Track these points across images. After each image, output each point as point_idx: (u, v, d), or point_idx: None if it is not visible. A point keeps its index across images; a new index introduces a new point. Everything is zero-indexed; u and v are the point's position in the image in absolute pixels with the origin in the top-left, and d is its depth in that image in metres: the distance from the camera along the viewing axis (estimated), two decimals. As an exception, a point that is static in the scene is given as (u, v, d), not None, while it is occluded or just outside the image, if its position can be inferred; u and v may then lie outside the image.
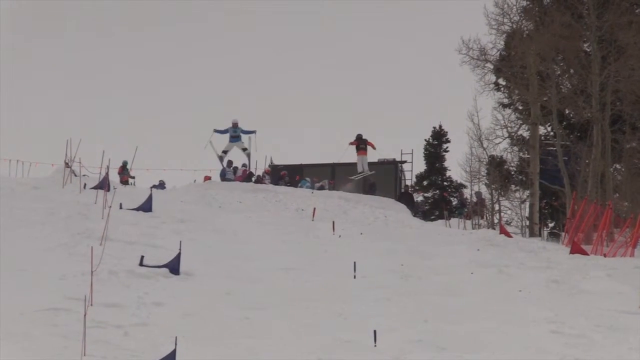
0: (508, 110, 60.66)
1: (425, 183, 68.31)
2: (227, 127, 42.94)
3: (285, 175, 56.20)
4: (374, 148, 44.83)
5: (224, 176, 53.41)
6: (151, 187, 49.74)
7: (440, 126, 70.05)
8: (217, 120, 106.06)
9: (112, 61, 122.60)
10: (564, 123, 58.04)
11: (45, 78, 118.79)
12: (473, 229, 52.86)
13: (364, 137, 50.06)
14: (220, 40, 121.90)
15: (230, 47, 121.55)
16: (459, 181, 67.75)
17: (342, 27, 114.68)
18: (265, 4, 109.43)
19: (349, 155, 56.72)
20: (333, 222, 42.25)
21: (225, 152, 43.24)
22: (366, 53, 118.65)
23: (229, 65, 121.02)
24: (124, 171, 51.65)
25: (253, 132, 43.16)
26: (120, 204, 39.39)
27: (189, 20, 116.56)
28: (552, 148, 57.53)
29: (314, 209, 45.23)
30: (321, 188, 53.93)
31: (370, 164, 58.77)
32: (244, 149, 43.15)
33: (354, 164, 58.26)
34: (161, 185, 53.15)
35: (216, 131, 42.67)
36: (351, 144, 54.38)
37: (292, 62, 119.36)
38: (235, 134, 42.66)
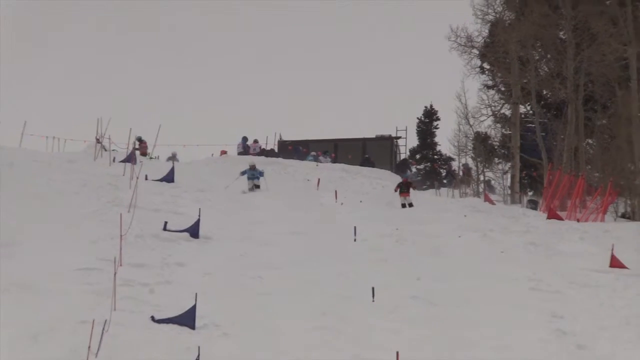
0: (492, 91, 60.70)
1: (417, 156, 68.30)
2: (245, 169, 42.37)
3: (292, 149, 56.23)
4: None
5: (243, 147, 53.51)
6: (167, 159, 49.73)
7: (431, 105, 70.07)
8: (231, 102, 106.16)
9: (138, 45, 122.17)
10: (542, 103, 58.03)
11: (77, 60, 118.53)
12: (460, 197, 52.90)
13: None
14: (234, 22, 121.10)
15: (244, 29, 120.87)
16: (447, 155, 67.83)
17: (344, 19, 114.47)
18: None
19: (350, 133, 56.77)
20: (335, 191, 42.28)
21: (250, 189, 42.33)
22: (365, 40, 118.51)
23: (244, 49, 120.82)
24: (140, 145, 50.83)
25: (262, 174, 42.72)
26: (146, 176, 39.44)
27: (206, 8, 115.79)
28: (531, 125, 57.56)
29: (319, 179, 45.26)
30: (316, 159, 53.70)
31: (369, 140, 58.84)
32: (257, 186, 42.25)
33: (354, 140, 58.38)
34: (174, 157, 52.77)
35: (241, 173, 42.22)
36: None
37: (301, 51, 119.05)
38: (252, 176, 42.09)
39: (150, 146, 50.20)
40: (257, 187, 40.96)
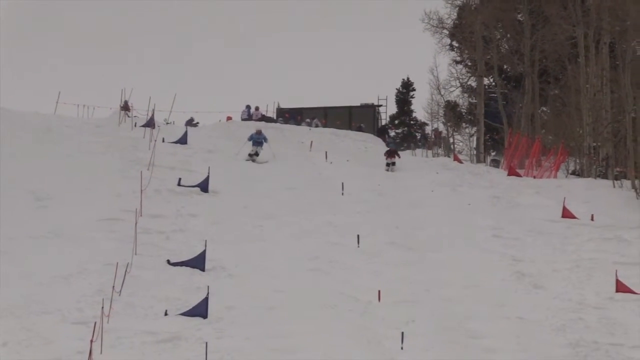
0: (460, 66, 60.40)
1: (396, 122, 68.06)
2: (251, 134, 41.03)
3: (289, 116, 55.80)
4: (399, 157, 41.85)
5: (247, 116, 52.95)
6: (185, 124, 49.13)
7: (408, 78, 69.51)
8: (235, 73, 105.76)
9: (155, 23, 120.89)
10: (503, 76, 57.75)
11: (105, 37, 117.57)
12: (433, 157, 52.78)
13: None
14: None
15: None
16: (422, 120, 67.73)
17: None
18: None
19: (339, 100, 56.25)
20: (326, 152, 41.97)
21: (250, 155, 40.10)
22: (354, 22, 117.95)
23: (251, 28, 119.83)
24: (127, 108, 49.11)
25: (267, 140, 41.02)
26: (163, 138, 39.03)
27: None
28: (493, 95, 57.28)
29: (311, 142, 44.93)
30: (315, 125, 53.19)
31: (354, 107, 58.51)
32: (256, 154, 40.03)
33: (341, 107, 58.03)
34: (191, 121, 52.03)
35: (248, 139, 40.68)
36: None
37: (297, 26, 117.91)
38: (258, 139, 40.67)
39: (166, 112, 49.52)
40: (256, 155, 39.70)
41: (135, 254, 24.53)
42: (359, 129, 53.38)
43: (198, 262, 24.40)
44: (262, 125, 45.06)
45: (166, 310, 21.30)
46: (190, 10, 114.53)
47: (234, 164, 37.66)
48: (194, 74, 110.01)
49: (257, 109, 54.14)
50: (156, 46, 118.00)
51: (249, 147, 39.79)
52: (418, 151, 56.22)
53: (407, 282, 24.02)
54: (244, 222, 28.84)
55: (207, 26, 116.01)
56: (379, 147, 46.30)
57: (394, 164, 40.48)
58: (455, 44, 59.71)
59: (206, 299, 21.17)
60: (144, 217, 27.70)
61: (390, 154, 41.22)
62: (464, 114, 61.52)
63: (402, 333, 20.08)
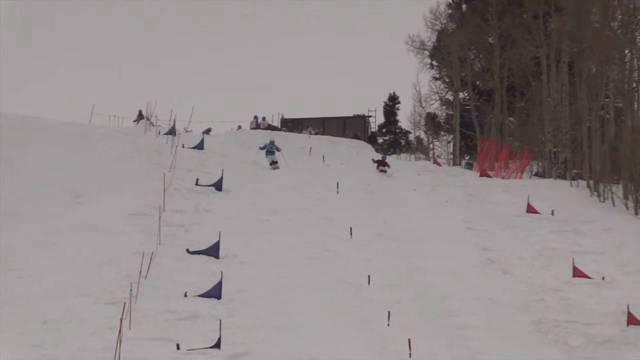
0: (439, 82, 60.66)
1: (384, 130, 68.16)
2: (265, 144, 40.65)
3: (292, 125, 55.87)
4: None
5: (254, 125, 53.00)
6: (203, 132, 49.18)
7: (394, 92, 69.60)
8: (244, 87, 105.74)
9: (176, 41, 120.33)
10: (476, 90, 57.91)
11: (130, 55, 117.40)
12: (416, 160, 52.87)
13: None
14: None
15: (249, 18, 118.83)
16: (406, 129, 67.85)
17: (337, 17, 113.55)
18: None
19: (336, 111, 56.53)
20: (323, 156, 42.05)
21: (271, 164, 39.25)
22: (351, 41, 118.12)
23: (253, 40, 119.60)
24: (140, 118, 48.85)
25: (279, 150, 40.44)
26: (183, 145, 39.04)
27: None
28: (468, 107, 57.44)
29: (310, 147, 45.01)
30: (309, 133, 53.20)
31: (348, 118, 58.65)
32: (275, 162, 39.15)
33: (337, 118, 58.17)
34: (209, 131, 52.10)
35: (260, 148, 40.22)
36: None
37: (300, 43, 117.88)
38: (271, 149, 40.29)
39: (185, 122, 49.59)
40: (275, 162, 39.18)
41: (159, 244, 24.58)
42: (356, 137, 53.61)
43: (213, 251, 24.46)
44: (267, 133, 45.06)
45: (185, 292, 21.38)
46: (193, 22, 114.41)
47: (244, 166, 37.71)
48: (209, 87, 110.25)
49: (264, 119, 54.26)
50: (178, 62, 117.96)
51: (262, 155, 39.25)
52: (402, 156, 56.40)
53: (393, 269, 24.08)
54: (253, 217, 28.90)
55: (208, 39, 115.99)
56: (369, 152, 46.49)
57: (384, 172, 40.18)
58: (434, 63, 59.93)
59: (220, 283, 21.25)
60: (167, 212, 27.76)
61: (380, 165, 40.73)
62: (442, 123, 61.70)
63: (389, 312, 20.15)
